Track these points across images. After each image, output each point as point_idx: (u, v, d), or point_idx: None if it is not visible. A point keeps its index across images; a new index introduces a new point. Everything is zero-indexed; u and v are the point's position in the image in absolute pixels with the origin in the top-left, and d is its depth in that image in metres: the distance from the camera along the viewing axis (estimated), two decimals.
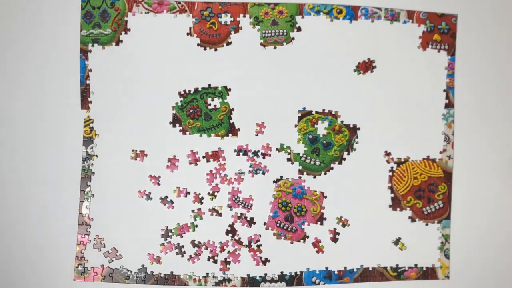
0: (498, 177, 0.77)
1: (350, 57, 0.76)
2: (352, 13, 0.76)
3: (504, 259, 0.77)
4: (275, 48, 0.76)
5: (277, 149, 0.75)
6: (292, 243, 0.75)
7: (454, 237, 0.77)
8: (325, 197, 0.76)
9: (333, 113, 0.76)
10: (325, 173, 0.76)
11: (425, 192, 0.77)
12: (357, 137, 0.76)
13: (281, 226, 0.75)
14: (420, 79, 0.77)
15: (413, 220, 0.76)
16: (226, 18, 0.76)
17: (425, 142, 0.77)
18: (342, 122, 0.76)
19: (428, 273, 0.76)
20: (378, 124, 0.76)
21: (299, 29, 0.76)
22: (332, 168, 0.76)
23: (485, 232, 0.77)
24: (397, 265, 0.76)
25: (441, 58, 0.77)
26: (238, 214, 0.75)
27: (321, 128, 0.76)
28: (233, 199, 0.75)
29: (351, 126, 0.76)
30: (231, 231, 0.75)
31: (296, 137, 0.76)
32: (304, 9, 0.76)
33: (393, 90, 0.77)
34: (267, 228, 0.75)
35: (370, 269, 0.76)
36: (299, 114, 0.75)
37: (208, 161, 0.75)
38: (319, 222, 0.75)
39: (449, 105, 0.77)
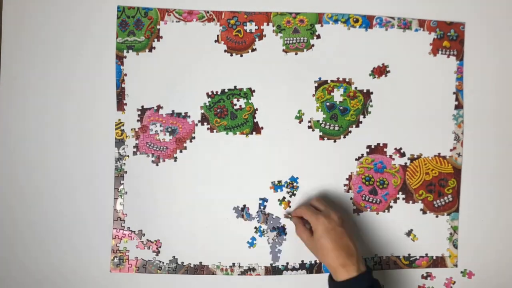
0: (503, 173, 0.80)
1: (365, 62, 0.79)
2: (367, 22, 0.79)
3: (507, 248, 0.80)
4: (296, 54, 0.79)
5: (296, 116, 0.79)
6: (377, 214, 0.79)
7: (462, 229, 0.80)
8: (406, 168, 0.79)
9: (347, 80, 0.79)
10: (344, 137, 0.79)
11: (436, 187, 0.80)
12: (371, 101, 0.79)
13: (367, 199, 0.79)
14: (431, 83, 0.80)
15: (424, 212, 0.80)
16: (251, 27, 0.79)
17: (436, 140, 0.80)
18: (356, 88, 0.79)
19: (438, 262, 0.80)
20: (392, 117, 0.80)
21: (318, 36, 0.79)
22: (350, 132, 0.80)
23: (491, 224, 0.80)
24: (409, 254, 0.80)
25: (450, 63, 0.80)
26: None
27: (337, 96, 0.79)
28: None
29: (365, 91, 0.79)
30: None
31: (314, 106, 0.79)
32: (323, 18, 0.79)
33: (406, 93, 0.80)
34: (353, 203, 0.79)
35: (384, 258, 0.79)
36: (316, 84, 0.79)
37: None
38: (400, 192, 0.80)
39: (459, 106, 0.80)
